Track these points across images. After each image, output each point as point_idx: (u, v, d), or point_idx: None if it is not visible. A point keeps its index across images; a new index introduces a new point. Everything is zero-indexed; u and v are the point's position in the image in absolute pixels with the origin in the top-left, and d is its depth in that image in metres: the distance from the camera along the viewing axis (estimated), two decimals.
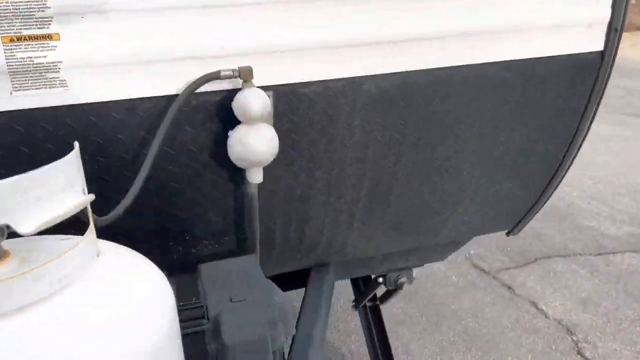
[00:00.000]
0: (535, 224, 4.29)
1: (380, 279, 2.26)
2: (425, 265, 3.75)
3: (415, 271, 3.67)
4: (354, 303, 2.61)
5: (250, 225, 1.49)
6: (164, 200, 1.42)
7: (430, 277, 3.63)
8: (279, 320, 1.36)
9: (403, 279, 2.24)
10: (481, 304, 3.32)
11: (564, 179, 1.93)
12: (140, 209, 1.36)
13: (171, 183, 1.38)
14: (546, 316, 3.20)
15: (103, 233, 1.00)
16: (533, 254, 3.89)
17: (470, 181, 1.80)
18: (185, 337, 1.28)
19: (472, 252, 3.93)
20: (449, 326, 3.13)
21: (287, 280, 1.91)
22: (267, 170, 1.45)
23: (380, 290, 2.50)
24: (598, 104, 1.73)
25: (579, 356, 2.88)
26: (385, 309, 3.25)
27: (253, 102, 1.21)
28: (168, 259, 1.58)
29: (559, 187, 1.96)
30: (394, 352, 2.90)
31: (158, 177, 1.35)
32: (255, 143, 1.26)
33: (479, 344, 2.98)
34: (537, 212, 2.08)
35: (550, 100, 1.69)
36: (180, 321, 1.29)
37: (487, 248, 3.98)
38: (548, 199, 2.01)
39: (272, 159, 1.34)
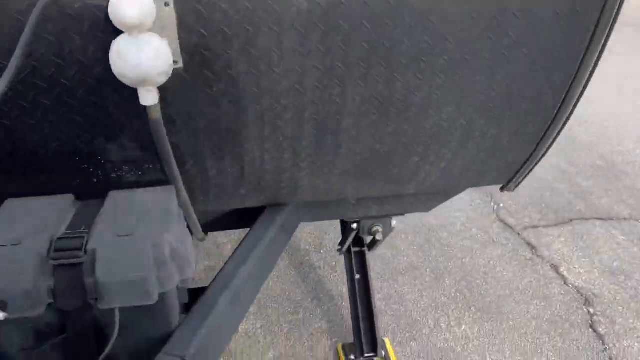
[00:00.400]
0: (583, 181, 3.88)
1: (355, 225, 2.07)
2: (444, 214, 3.52)
3: (432, 218, 3.46)
4: (339, 247, 2.45)
5: (163, 154, 1.33)
6: (64, 116, 1.29)
7: (447, 227, 3.38)
8: (171, 262, 1.23)
9: (377, 228, 2.04)
10: (495, 262, 3.06)
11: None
12: (41, 124, 1.26)
13: (67, 98, 1.24)
14: (565, 282, 2.90)
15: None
16: (570, 213, 3.52)
17: (441, 125, 1.53)
18: (61, 267, 1.20)
19: (501, 205, 3.62)
20: (454, 282, 2.92)
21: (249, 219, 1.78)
22: (181, 92, 1.28)
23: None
24: (603, 47, 1.38)
25: (590, 330, 2.59)
26: (390, 257, 3.08)
27: (127, 6, 1.02)
28: (89, 182, 1.47)
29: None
30: (387, 301, 2.76)
31: (51, 89, 1.22)
32: (135, 57, 1.07)
33: (480, 304, 2.76)
34: (534, 166, 1.78)
35: (543, 37, 1.36)
36: (58, 250, 1.20)
37: (519, 202, 3.64)
38: (545, 153, 1.71)
39: (164, 79, 1.16)
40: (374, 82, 1.37)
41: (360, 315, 2.37)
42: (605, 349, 2.50)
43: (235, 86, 1.30)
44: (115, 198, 1.36)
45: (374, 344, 2.34)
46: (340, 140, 1.52)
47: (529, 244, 3.23)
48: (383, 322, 2.65)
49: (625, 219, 3.46)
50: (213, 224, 1.92)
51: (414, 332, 2.60)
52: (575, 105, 1.56)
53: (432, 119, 1.51)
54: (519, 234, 3.32)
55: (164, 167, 1.38)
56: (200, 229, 1.68)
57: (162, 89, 1.26)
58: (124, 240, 1.20)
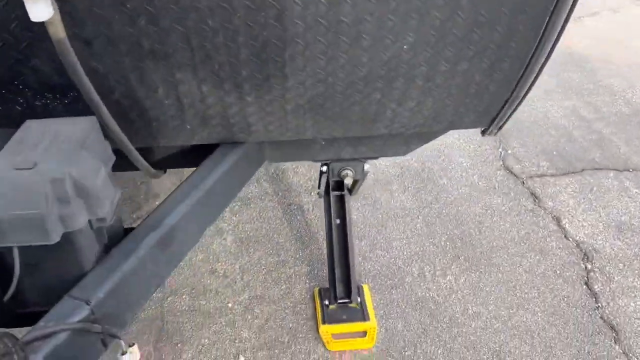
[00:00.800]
0: (603, 127, 3.61)
1: (324, 168, 1.93)
2: (446, 159, 3.33)
3: (433, 163, 3.28)
4: (318, 190, 2.32)
5: (75, 78, 1.19)
6: None
7: (448, 172, 3.21)
8: (75, 199, 1.13)
9: (347, 172, 1.89)
10: (493, 212, 2.89)
11: None
12: None
13: None
14: (565, 236, 2.73)
15: None
16: (583, 162, 3.28)
17: (401, 58, 1.35)
18: None
19: (509, 151, 3.40)
20: (445, 230, 2.78)
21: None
22: (93, 10, 1.14)
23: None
24: None
25: (584, 287, 2.44)
26: (383, 201, 2.95)
27: None
28: (12, 110, 1.36)
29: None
30: (372, 247, 2.65)
31: None
32: None
33: (469, 255, 2.62)
34: (515, 109, 1.59)
35: None
36: None
37: (530, 149, 3.41)
38: (526, 93, 1.52)
39: None
40: (315, 3, 1.19)
41: (336, 260, 2.27)
42: (598, 307, 2.35)
43: (150, 2, 1.15)
44: (30, 127, 1.25)
45: (348, 290, 2.25)
46: (286, 72, 1.35)
47: (532, 193, 3.03)
48: (365, 268, 2.55)
49: None
50: (171, 161, 1.81)
51: (396, 279, 2.50)
52: (558, 36, 1.34)
53: (390, 50, 1.33)
54: (523, 183, 3.12)
55: (83, 95, 1.25)
56: (147, 165, 1.57)
57: (71, 7, 1.12)
58: (22, 173, 1.09)
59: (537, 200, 2.97)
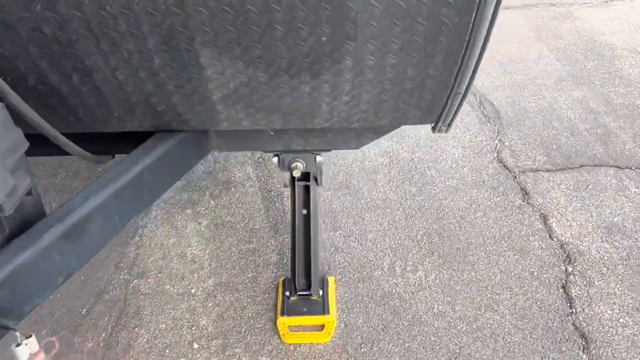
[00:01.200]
0: (611, 121, 3.41)
1: (275, 159, 1.87)
2: (439, 149, 3.21)
3: (424, 152, 3.16)
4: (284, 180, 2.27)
5: None
6: None
7: (437, 163, 3.10)
8: None
9: (297, 164, 1.83)
10: (477, 206, 2.78)
11: None
12: None
13: None
14: (550, 235, 2.60)
15: None
16: (583, 158, 3.11)
17: (322, 49, 1.27)
18: None
19: (505, 143, 3.26)
20: (425, 224, 2.69)
21: None
22: None
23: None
24: None
25: (560, 290, 2.33)
26: (364, 191, 2.88)
27: None
28: None
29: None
30: (346, 238, 2.59)
31: None
32: None
33: (445, 251, 2.53)
34: (460, 105, 1.49)
35: None
36: None
37: (529, 142, 3.26)
38: (469, 87, 1.42)
39: None
40: None
41: (298, 251, 2.22)
42: (572, 312, 2.24)
43: None
44: None
45: (309, 282, 2.21)
46: (202, 62, 1.30)
47: (522, 189, 2.90)
48: (335, 260, 2.50)
49: None
50: (113, 147, 1.79)
51: (365, 273, 2.44)
52: (489, 30, 1.24)
53: (308, 42, 1.25)
54: (514, 177, 2.99)
55: None
56: (80, 150, 1.54)
57: None
58: None
59: (526, 197, 2.84)
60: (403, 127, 1.84)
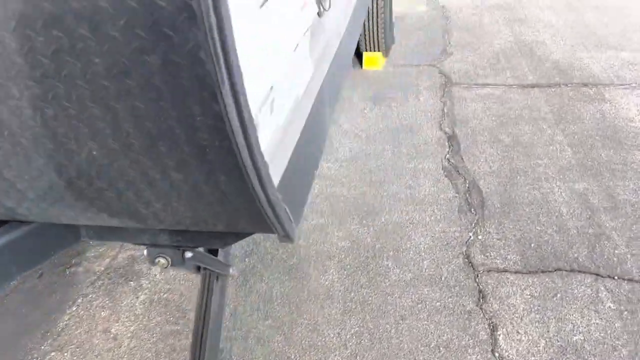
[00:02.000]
0: (609, 220, 3.09)
1: (145, 252, 1.83)
2: (405, 236, 3.03)
3: (385, 239, 2.99)
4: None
5: None
6: None
7: (398, 253, 2.92)
8: None
9: (161, 259, 1.78)
10: (424, 306, 2.57)
11: None
12: None
13: None
14: (493, 350, 2.33)
15: None
16: (561, 261, 2.81)
17: (91, 154, 1.25)
18: None
19: (479, 236, 3.02)
20: (359, 320, 2.51)
21: None
22: None
23: None
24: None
25: None
26: (311, 279, 2.76)
27: None
28: None
29: None
30: (270, 329, 2.47)
31: None
32: None
33: (370, 355, 2.33)
34: (277, 211, 1.39)
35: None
36: None
37: (505, 236, 3.01)
38: (267, 197, 1.31)
39: None
40: None
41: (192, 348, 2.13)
42: None
43: None
44: None
45: None
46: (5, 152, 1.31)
47: (480, 291, 2.65)
48: (254, 355, 2.38)
49: (634, 280, 2.67)
50: None
51: None
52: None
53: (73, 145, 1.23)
54: (476, 277, 2.74)
55: None
56: None
57: None
58: None
59: (481, 301, 2.59)
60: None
